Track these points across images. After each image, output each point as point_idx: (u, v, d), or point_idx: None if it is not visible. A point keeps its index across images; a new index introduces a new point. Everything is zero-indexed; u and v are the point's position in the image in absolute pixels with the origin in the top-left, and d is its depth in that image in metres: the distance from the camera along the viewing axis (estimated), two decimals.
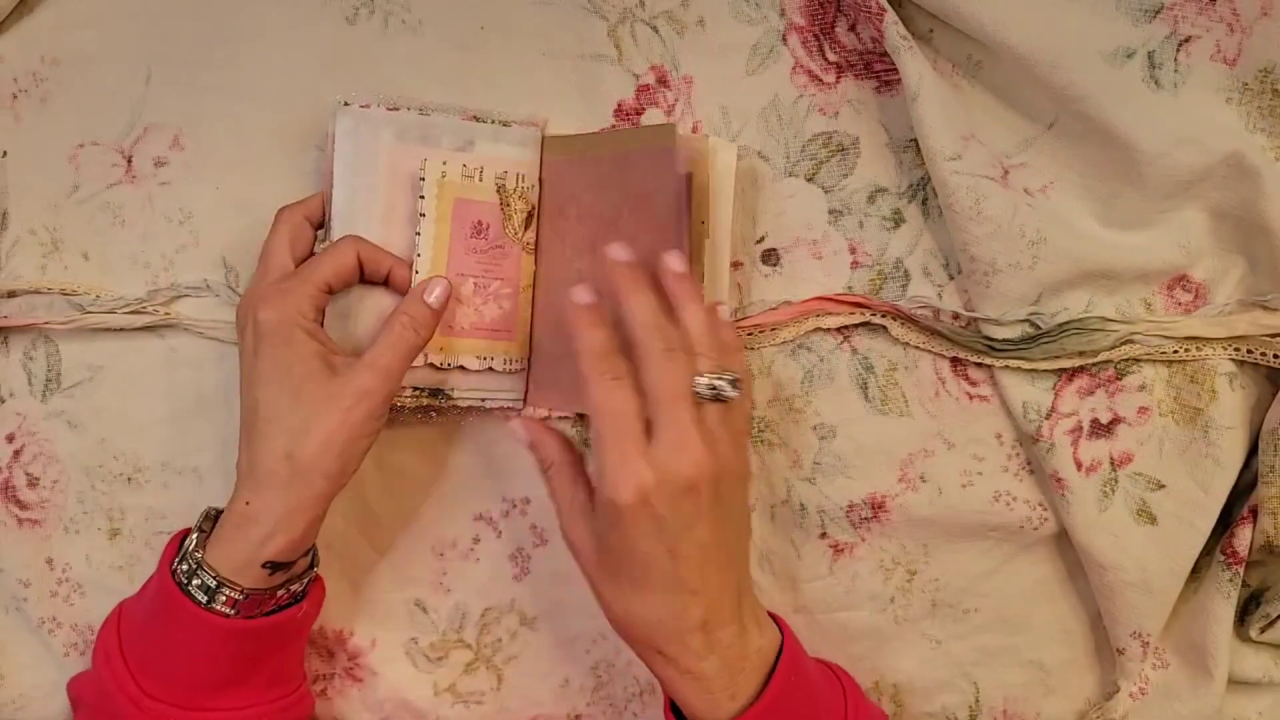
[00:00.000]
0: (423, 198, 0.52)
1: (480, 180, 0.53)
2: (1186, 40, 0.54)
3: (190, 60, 0.56)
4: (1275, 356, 0.55)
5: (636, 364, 0.46)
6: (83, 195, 0.57)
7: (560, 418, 0.57)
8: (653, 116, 0.56)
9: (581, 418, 0.57)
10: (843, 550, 0.58)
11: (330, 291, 0.50)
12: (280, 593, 0.50)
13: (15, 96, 0.57)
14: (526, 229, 0.55)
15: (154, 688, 0.48)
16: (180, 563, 0.49)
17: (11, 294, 0.56)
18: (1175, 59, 0.54)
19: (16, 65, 0.57)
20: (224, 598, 0.47)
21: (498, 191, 0.54)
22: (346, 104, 0.52)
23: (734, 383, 0.46)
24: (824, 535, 0.58)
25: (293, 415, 0.47)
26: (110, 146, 0.57)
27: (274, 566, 0.48)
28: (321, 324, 0.51)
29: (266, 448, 0.48)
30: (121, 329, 0.56)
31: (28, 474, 0.58)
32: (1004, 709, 0.60)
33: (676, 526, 0.45)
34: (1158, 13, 0.53)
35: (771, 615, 0.51)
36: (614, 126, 0.56)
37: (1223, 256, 0.56)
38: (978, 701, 0.60)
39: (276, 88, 0.56)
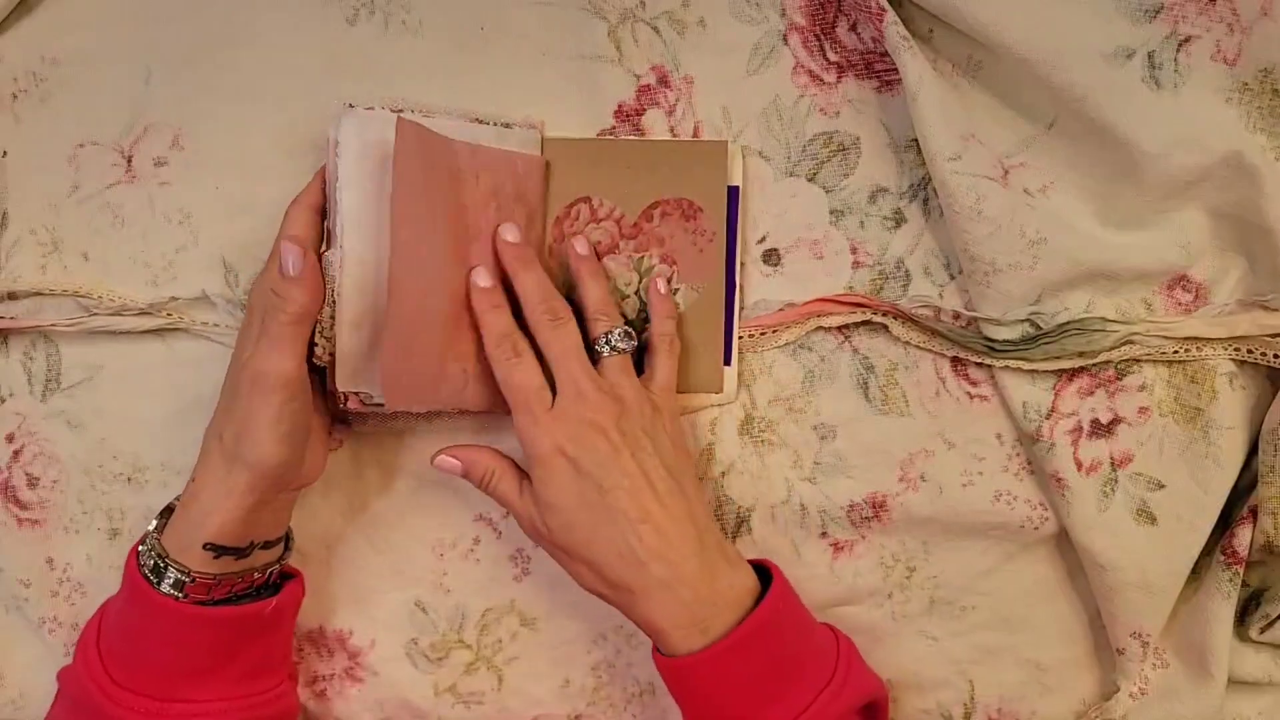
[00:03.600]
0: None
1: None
2: (1186, 40, 0.54)
3: (190, 60, 0.56)
4: (1275, 356, 0.55)
5: (534, 336, 0.52)
6: (83, 195, 0.57)
7: None
8: (654, 116, 0.56)
9: None
10: (843, 548, 0.58)
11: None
12: (237, 582, 0.50)
13: (15, 96, 0.57)
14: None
15: (124, 676, 0.49)
16: (142, 545, 0.50)
17: (12, 295, 0.56)
18: (1175, 59, 0.54)
19: (16, 65, 0.57)
20: (171, 579, 0.48)
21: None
22: (351, 106, 0.51)
23: (625, 334, 0.53)
24: (824, 535, 0.58)
25: (232, 398, 0.49)
26: (110, 146, 0.57)
27: (216, 550, 0.48)
28: (320, 344, 0.50)
29: (212, 426, 0.50)
30: (131, 334, 0.56)
31: (28, 474, 0.58)
32: (999, 707, 0.60)
33: (594, 464, 0.49)
34: (1158, 13, 0.53)
35: (763, 562, 0.53)
36: (642, 137, 0.56)
37: (1223, 256, 0.56)
38: (972, 699, 0.60)
39: (276, 88, 0.56)
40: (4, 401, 0.58)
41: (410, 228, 0.50)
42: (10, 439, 0.58)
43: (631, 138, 0.56)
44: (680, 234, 0.56)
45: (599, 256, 0.56)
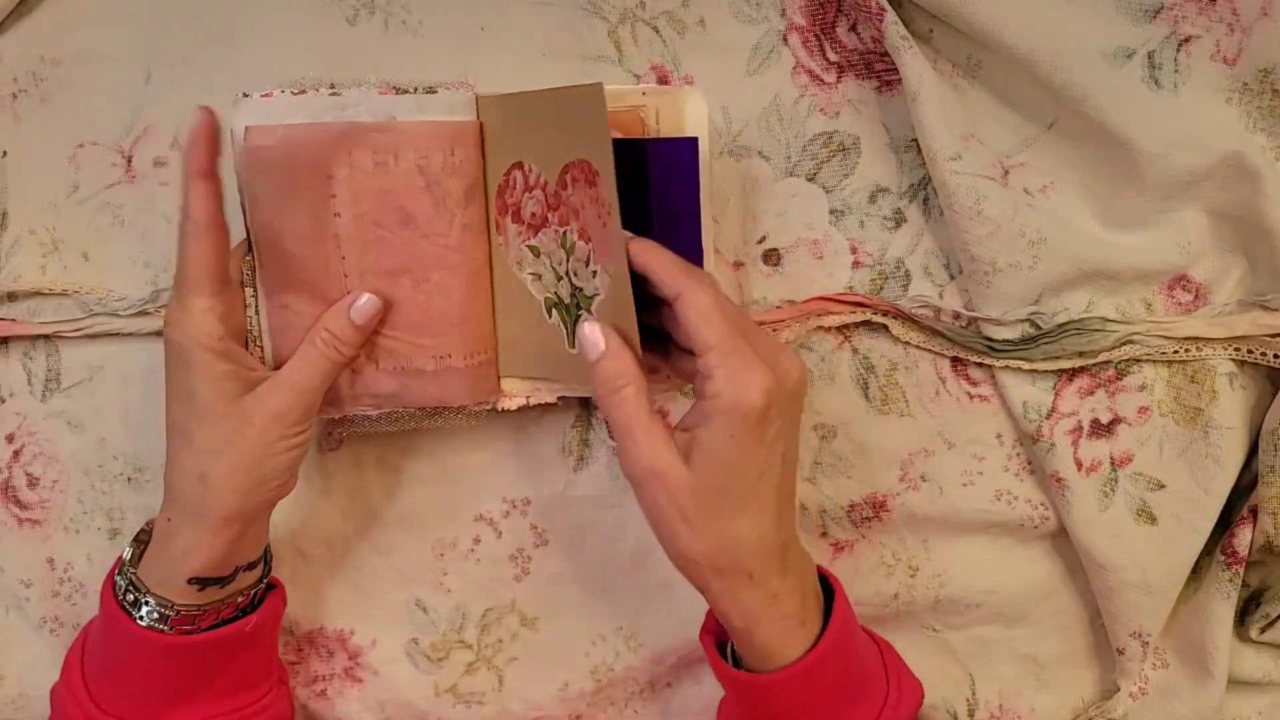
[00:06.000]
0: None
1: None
2: (1186, 40, 0.54)
3: (190, 60, 0.56)
4: (1275, 356, 0.55)
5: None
6: (83, 195, 0.57)
7: (536, 405, 0.54)
8: None
9: (562, 400, 0.54)
10: (843, 548, 0.58)
11: (223, 288, 0.47)
12: (223, 608, 0.48)
13: (15, 96, 0.57)
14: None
15: (108, 702, 0.48)
16: (119, 575, 0.48)
17: (12, 295, 0.56)
18: (1175, 59, 0.54)
19: (16, 65, 0.57)
20: (156, 614, 0.47)
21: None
22: (246, 95, 0.47)
23: None
24: (825, 534, 0.58)
25: (203, 436, 0.46)
26: (110, 146, 0.57)
27: (202, 582, 0.47)
28: (248, 325, 0.49)
29: (180, 468, 0.47)
30: (131, 334, 0.56)
31: (28, 474, 0.58)
32: (999, 704, 0.60)
33: (786, 433, 0.44)
34: (1158, 13, 0.53)
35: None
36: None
37: (1223, 256, 0.56)
38: (974, 694, 0.60)
39: (277, 88, 0.56)
40: (4, 401, 0.58)
41: (275, 247, 0.47)
42: (10, 439, 0.58)
43: (547, 89, 0.47)
44: (590, 205, 0.47)
45: (534, 231, 0.50)
